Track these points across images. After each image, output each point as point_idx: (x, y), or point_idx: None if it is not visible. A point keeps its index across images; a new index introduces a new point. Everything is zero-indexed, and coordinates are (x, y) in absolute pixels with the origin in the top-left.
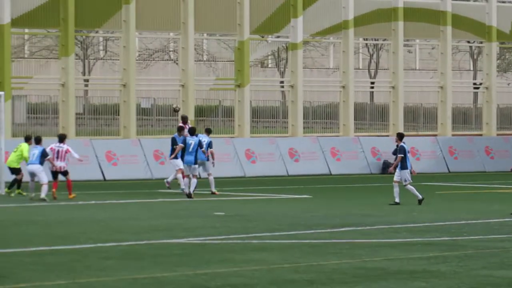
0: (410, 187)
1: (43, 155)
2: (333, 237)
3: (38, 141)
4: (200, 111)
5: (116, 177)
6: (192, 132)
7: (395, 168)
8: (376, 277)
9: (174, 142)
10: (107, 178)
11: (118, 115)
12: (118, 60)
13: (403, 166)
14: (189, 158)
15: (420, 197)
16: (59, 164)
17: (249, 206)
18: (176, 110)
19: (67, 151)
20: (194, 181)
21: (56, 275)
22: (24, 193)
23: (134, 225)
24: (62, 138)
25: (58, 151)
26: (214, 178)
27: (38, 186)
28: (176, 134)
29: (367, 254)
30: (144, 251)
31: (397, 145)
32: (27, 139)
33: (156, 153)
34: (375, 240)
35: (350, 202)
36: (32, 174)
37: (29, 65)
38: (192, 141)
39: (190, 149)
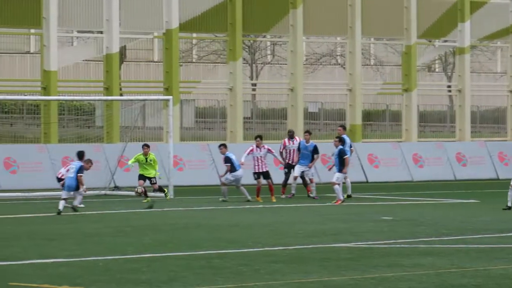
0: None
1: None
2: (500, 242)
3: (226, 146)
4: (367, 116)
5: (282, 181)
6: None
7: None
8: None
9: (316, 150)
10: (275, 182)
11: (286, 119)
12: (286, 64)
13: None
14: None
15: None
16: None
17: (417, 210)
18: (138, 193)
19: (268, 150)
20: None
21: (224, 279)
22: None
23: (302, 229)
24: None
25: (257, 158)
26: (381, 182)
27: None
28: (303, 141)
29: None
30: (312, 255)
31: None
32: (145, 147)
33: (323, 157)
34: None
35: None
36: (237, 181)
37: (197, 69)
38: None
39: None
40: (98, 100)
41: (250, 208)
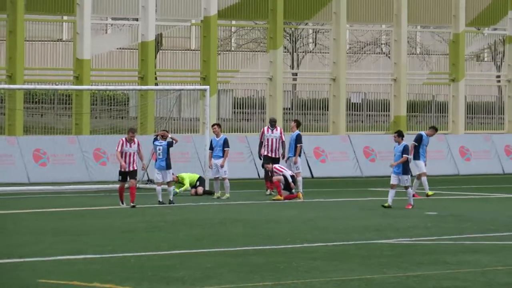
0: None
1: None
2: None
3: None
4: (413, 107)
5: (324, 175)
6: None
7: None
8: None
9: (298, 140)
10: (315, 175)
11: (327, 110)
12: (328, 53)
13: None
14: None
15: None
16: None
17: (463, 205)
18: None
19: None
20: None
21: (260, 276)
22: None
23: (343, 224)
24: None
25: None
26: (427, 176)
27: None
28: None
29: None
30: (353, 251)
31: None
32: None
33: (367, 150)
34: None
35: None
36: None
37: (236, 58)
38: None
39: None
40: (132, 89)
41: (289, 203)
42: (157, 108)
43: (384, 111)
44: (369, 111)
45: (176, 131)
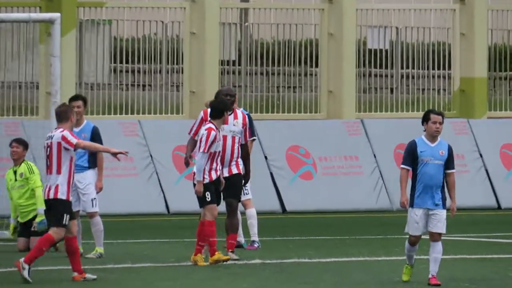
0: None
1: None
2: None
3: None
4: (499, 60)
5: (309, 207)
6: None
7: None
8: None
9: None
10: (288, 208)
11: (316, 66)
12: None
13: None
14: None
15: None
16: None
17: None
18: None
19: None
20: None
21: None
22: None
23: None
24: None
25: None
26: None
27: None
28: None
29: None
30: None
31: None
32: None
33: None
34: None
35: None
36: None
37: None
38: None
39: None
40: None
41: (247, 266)
42: None
43: (438, 69)
44: (407, 68)
45: None
